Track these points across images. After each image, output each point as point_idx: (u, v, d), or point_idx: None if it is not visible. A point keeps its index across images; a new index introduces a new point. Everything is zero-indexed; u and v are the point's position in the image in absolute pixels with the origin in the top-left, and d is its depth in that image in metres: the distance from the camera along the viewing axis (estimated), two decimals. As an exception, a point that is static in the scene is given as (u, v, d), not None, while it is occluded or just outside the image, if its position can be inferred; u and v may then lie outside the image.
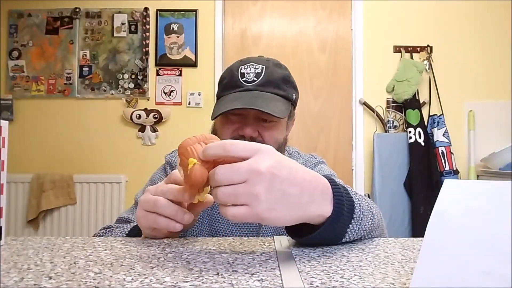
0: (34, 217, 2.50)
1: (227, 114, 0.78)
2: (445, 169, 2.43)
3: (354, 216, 0.50)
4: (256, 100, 0.74)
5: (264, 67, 0.78)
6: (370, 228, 0.55)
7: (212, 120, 0.82)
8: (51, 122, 2.66)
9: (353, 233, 0.51)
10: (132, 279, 0.37)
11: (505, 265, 0.25)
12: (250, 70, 0.78)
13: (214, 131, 0.84)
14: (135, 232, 0.62)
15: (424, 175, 2.43)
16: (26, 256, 0.45)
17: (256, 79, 0.77)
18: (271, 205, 0.41)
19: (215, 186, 0.41)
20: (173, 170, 0.66)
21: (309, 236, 0.48)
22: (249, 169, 0.40)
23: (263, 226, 0.79)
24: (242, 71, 0.78)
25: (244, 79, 0.77)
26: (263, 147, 0.42)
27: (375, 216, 0.57)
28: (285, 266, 0.42)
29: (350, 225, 0.50)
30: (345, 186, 0.54)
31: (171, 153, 0.91)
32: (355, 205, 0.51)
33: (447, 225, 0.28)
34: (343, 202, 0.48)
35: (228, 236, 0.78)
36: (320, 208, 0.46)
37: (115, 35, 2.66)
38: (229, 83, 0.79)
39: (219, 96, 0.82)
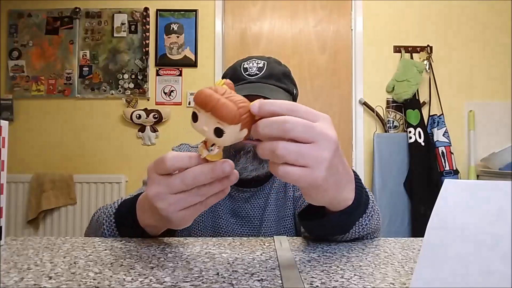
0: (34, 217, 2.50)
1: None
2: (445, 169, 2.43)
3: (367, 211, 0.52)
4: (260, 90, 0.75)
5: (266, 62, 0.81)
6: (375, 227, 0.56)
7: None
8: (51, 122, 2.66)
9: (360, 227, 0.52)
10: (132, 279, 0.37)
11: (505, 265, 0.25)
12: (252, 65, 0.80)
13: None
14: (128, 207, 0.56)
15: (424, 175, 2.43)
16: (26, 256, 0.45)
17: (259, 73, 0.79)
18: (329, 175, 0.38)
19: (276, 138, 0.37)
20: None
21: (327, 218, 0.48)
22: (322, 132, 0.37)
23: (263, 224, 0.79)
24: (244, 66, 0.80)
25: (247, 73, 0.79)
26: (325, 115, 0.39)
27: (380, 218, 0.59)
28: (285, 266, 0.42)
29: (360, 219, 0.52)
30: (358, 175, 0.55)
31: (179, 146, 0.92)
32: (370, 201, 0.53)
33: (447, 225, 0.28)
34: (362, 194, 0.50)
35: (230, 233, 0.78)
36: (349, 194, 0.46)
37: (115, 35, 2.66)
38: (232, 78, 0.80)
39: None
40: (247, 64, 0.80)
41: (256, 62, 0.80)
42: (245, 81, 0.78)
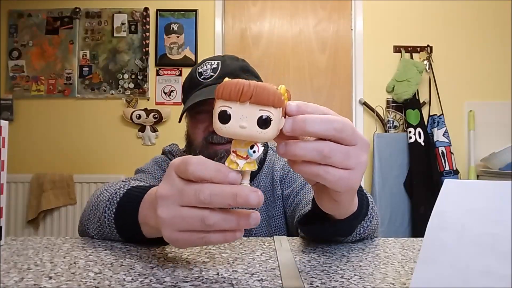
0: (34, 217, 2.50)
1: (195, 115, 0.78)
2: (445, 169, 2.42)
3: (368, 213, 0.52)
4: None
5: (220, 61, 0.79)
6: (375, 227, 0.56)
7: (179, 123, 0.82)
8: (51, 122, 2.66)
9: (362, 230, 0.52)
10: (132, 279, 0.37)
11: (505, 265, 0.25)
12: (206, 67, 0.78)
13: (188, 135, 0.84)
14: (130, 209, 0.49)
15: (424, 175, 2.43)
16: (26, 256, 0.45)
17: (214, 74, 0.77)
18: (361, 178, 0.37)
19: (320, 137, 0.34)
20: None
21: (330, 224, 0.47)
22: (360, 134, 0.36)
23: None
24: (199, 71, 0.79)
25: (202, 77, 0.77)
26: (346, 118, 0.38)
27: (379, 218, 0.59)
28: (285, 266, 0.42)
29: (362, 222, 0.52)
30: None
31: (170, 145, 0.92)
32: (369, 202, 0.53)
33: (447, 225, 0.28)
34: (363, 198, 0.50)
35: None
36: (355, 199, 0.45)
37: (115, 35, 2.66)
38: (190, 86, 0.80)
39: (184, 101, 0.82)
40: (201, 68, 0.79)
41: (210, 63, 0.78)
42: (201, 86, 0.76)
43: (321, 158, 0.34)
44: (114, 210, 0.52)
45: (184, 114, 0.81)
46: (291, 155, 0.34)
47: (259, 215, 0.35)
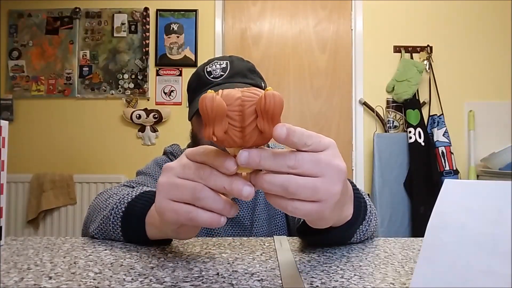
0: (34, 217, 2.50)
1: None
2: (445, 169, 2.42)
3: (366, 217, 0.52)
4: None
5: (228, 61, 0.79)
6: (374, 229, 0.56)
7: (190, 120, 0.81)
8: (51, 122, 2.66)
9: (361, 233, 0.52)
10: (132, 279, 0.37)
11: (505, 265, 0.25)
12: (215, 67, 0.78)
13: (193, 134, 0.83)
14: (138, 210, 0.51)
15: (424, 175, 2.43)
16: (26, 256, 0.45)
17: (224, 73, 0.77)
18: (337, 205, 0.36)
19: (283, 172, 0.34)
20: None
21: (327, 234, 0.47)
22: (330, 164, 0.35)
23: (254, 224, 0.79)
24: (208, 70, 0.79)
25: (211, 76, 0.77)
26: (330, 141, 0.37)
27: (378, 217, 0.59)
28: (285, 266, 0.42)
29: (360, 226, 0.51)
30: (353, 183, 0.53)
31: (171, 146, 0.92)
32: (367, 206, 0.53)
33: (447, 225, 0.28)
34: (360, 204, 0.49)
35: (222, 234, 0.78)
36: (348, 210, 0.44)
37: (115, 35, 2.66)
38: (198, 84, 0.79)
39: (191, 100, 0.82)
40: (210, 67, 0.79)
41: (219, 63, 0.79)
42: (211, 85, 0.76)
43: (286, 194, 0.34)
44: (123, 209, 0.53)
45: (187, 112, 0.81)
46: (259, 187, 0.35)
47: (238, 208, 0.37)
